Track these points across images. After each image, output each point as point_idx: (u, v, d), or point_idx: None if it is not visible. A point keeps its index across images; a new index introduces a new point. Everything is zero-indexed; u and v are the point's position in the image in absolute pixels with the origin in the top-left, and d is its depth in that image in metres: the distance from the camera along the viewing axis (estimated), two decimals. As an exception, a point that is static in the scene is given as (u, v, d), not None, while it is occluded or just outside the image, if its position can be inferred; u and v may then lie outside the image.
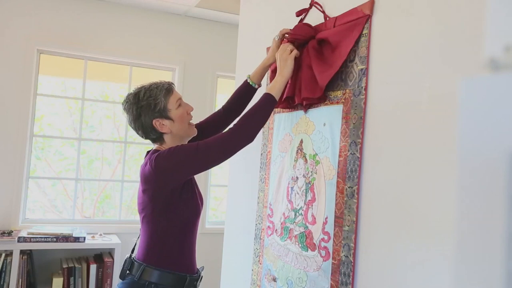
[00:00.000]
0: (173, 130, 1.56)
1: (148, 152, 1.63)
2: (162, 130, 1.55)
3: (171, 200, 1.49)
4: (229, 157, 1.46)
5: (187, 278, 1.53)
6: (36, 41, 3.35)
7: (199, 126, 1.74)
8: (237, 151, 1.45)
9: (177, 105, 1.56)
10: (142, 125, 1.55)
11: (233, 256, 2.25)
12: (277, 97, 1.49)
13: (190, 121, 1.62)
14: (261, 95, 1.51)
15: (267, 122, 1.78)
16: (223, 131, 1.47)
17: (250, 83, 1.74)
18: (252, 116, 1.46)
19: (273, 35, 1.90)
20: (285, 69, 1.53)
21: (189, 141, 1.67)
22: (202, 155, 1.43)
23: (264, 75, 1.77)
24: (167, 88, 1.56)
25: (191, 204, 1.55)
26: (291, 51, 1.54)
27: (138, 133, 1.59)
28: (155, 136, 1.57)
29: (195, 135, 1.64)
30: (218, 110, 1.82)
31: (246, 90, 1.76)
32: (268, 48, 1.94)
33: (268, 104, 1.48)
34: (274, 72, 1.77)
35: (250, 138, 1.44)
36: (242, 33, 2.35)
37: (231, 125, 1.48)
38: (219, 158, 1.45)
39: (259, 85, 1.77)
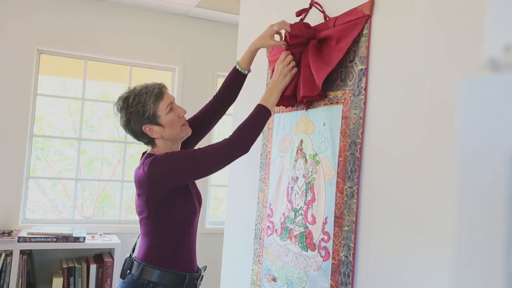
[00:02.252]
0: (164, 135, 1.54)
1: (143, 153, 1.64)
2: (152, 135, 1.54)
3: (165, 203, 1.50)
4: (223, 166, 1.48)
5: (186, 277, 1.54)
6: (36, 41, 3.35)
7: (192, 120, 1.73)
8: (232, 161, 1.48)
9: (167, 110, 1.53)
10: (132, 130, 1.54)
11: (233, 256, 2.25)
12: (271, 110, 1.51)
13: (184, 123, 1.60)
14: (255, 106, 1.51)
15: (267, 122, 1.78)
16: (219, 141, 1.47)
17: (239, 69, 1.70)
18: (247, 128, 1.47)
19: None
20: (282, 84, 1.53)
21: (183, 142, 1.66)
22: (198, 163, 1.44)
23: (252, 60, 1.71)
24: (157, 94, 1.52)
25: (186, 205, 1.55)
26: (293, 68, 1.54)
27: (130, 136, 1.60)
28: (146, 140, 1.58)
29: (189, 135, 1.63)
30: (209, 101, 1.78)
31: (235, 77, 1.72)
32: (268, 48, 1.94)
33: (263, 116, 1.49)
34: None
35: (245, 149, 1.46)
36: (242, 33, 2.35)
37: (227, 136, 1.49)
38: (214, 167, 1.48)
39: (249, 71, 1.73)
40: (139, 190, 1.52)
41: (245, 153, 1.46)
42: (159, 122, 1.52)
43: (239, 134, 1.46)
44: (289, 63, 1.53)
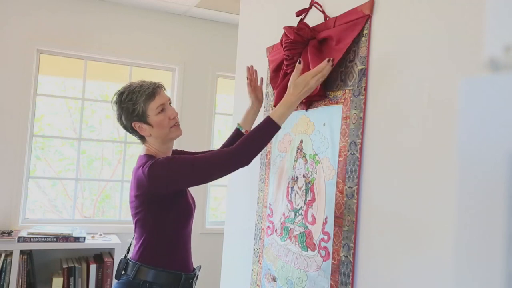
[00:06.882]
0: (153, 134, 1.56)
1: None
2: (141, 133, 1.57)
3: (163, 205, 1.51)
4: (221, 176, 1.46)
5: (182, 276, 1.54)
6: (36, 41, 3.35)
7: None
8: (231, 172, 1.45)
9: (157, 111, 1.53)
10: (124, 125, 1.59)
11: (233, 256, 2.25)
12: (281, 124, 1.40)
13: (175, 124, 1.58)
14: (264, 117, 1.45)
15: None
16: (222, 149, 1.48)
17: (239, 128, 1.82)
18: (251, 140, 1.41)
19: (273, 35, 1.90)
20: (303, 93, 1.39)
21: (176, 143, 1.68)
22: (197, 172, 1.43)
23: (253, 121, 1.82)
24: (149, 94, 1.53)
25: (183, 205, 1.56)
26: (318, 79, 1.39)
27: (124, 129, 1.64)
28: (137, 136, 1.61)
29: (180, 136, 1.61)
30: (227, 147, 1.85)
31: (238, 136, 1.80)
32: (268, 48, 1.94)
33: (270, 130, 1.41)
34: (275, 72, 1.76)
35: (245, 162, 1.41)
36: (242, 33, 2.35)
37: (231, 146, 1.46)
38: (212, 176, 1.46)
39: (247, 131, 1.81)
40: (138, 191, 1.51)
41: (245, 166, 1.42)
42: (148, 121, 1.54)
43: (241, 145, 1.40)
44: (317, 74, 1.38)
